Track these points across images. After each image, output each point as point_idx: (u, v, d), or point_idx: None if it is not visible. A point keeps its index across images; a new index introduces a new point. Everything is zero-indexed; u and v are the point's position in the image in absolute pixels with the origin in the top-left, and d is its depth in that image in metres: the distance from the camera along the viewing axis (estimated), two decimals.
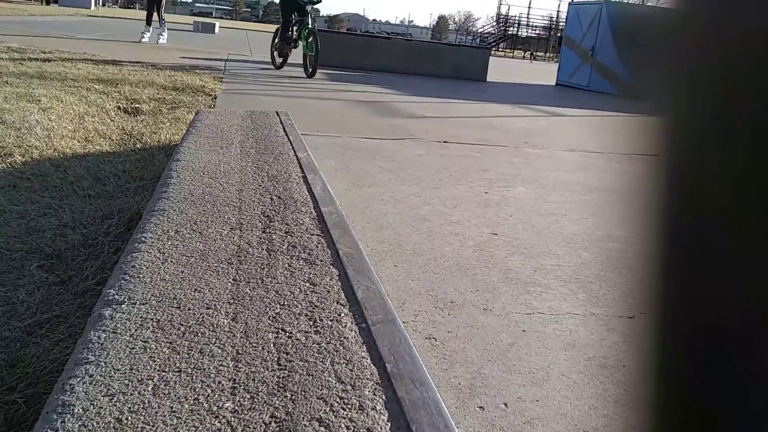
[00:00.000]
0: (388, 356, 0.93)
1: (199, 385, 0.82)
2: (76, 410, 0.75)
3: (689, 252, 0.21)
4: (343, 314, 1.07)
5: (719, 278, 0.19)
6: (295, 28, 7.96)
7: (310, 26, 7.57)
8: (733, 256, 0.19)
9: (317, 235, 1.47)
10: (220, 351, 0.91)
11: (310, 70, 7.53)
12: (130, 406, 0.77)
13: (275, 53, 8.38)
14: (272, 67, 8.23)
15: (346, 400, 0.81)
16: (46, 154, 2.68)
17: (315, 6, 7.92)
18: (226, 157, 2.14)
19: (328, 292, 1.15)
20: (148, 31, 10.16)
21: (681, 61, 0.21)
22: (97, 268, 1.63)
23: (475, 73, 10.37)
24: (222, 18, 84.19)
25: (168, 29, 11.03)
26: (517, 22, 40.24)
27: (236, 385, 0.83)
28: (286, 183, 1.89)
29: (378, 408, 0.81)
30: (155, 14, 10.12)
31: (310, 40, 7.50)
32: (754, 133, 0.18)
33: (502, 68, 16.32)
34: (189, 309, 1.03)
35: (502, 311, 1.58)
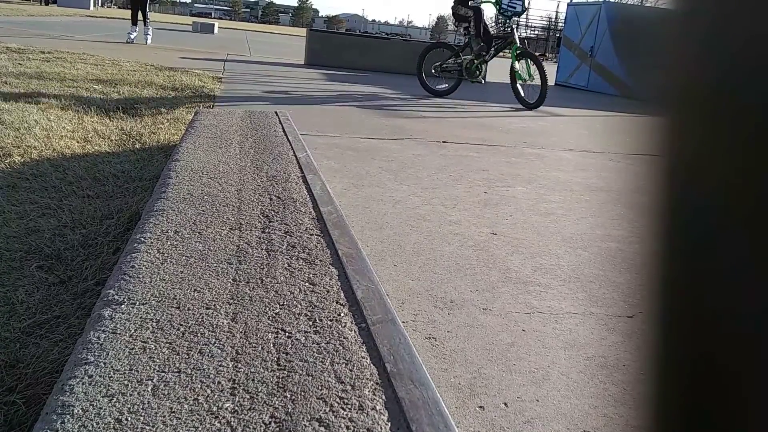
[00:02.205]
0: (388, 356, 0.93)
1: (199, 386, 0.82)
2: (76, 411, 0.75)
3: (689, 252, 0.21)
4: (342, 314, 1.07)
5: (719, 278, 0.19)
6: (484, 45, 6.31)
7: (519, 45, 6.08)
8: (734, 255, 0.19)
9: (316, 235, 1.47)
10: (219, 351, 0.90)
11: (532, 101, 6.05)
12: (129, 406, 0.77)
13: (426, 72, 6.65)
14: (265, 67, 8.01)
15: (345, 400, 0.81)
16: (45, 154, 2.68)
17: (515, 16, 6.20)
18: (225, 157, 2.14)
19: (328, 292, 1.15)
20: (135, 31, 10.13)
21: (680, 61, 0.21)
22: (97, 268, 1.63)
23: None
24: (221, 18, 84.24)
25: (168, 30, 11.01)
26: (516, 22, 40.18)
27: (236, 385, 0.83)
28: (286, 183, 1.89)
29: (378, 408, 0.81)
30: (140, 13, 10.09)
31: (525, 62, 6.01)
32: (754, 133, 0.18)
33: (501, 68, 16.31)
34: (188, 309, 1.03)
35: (501, 311, 1.58)
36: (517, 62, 6.06)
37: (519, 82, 6.14)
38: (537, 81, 6.03)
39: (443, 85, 6.57)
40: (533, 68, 5.98)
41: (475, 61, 6.29)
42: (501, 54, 6.53)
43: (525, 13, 6.22)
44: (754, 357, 0.18)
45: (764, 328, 0.18)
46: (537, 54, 6.40)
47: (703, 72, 0.20)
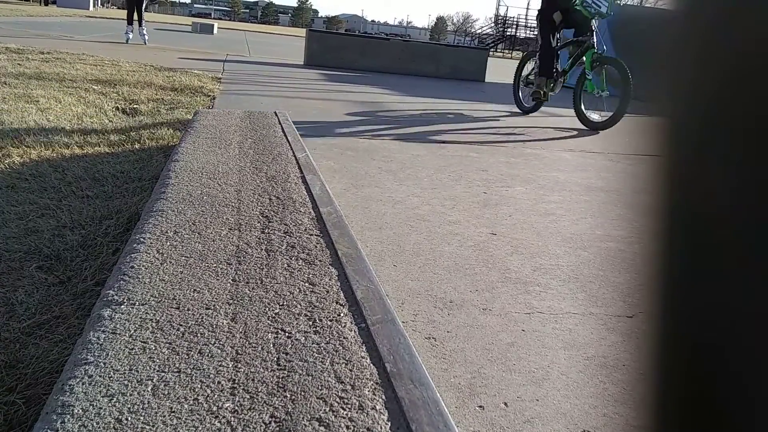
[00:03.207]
0: (388, 356, 0.93)
1: (199, 386, 0.82)
2: (76, 411, 0.75)
3: (689, 252, 0.21)
4: (342, 314, 1.07)
5: (720, 278, 0.19)
6: (562, 53, 5.32)
7: (598, 50, 4.92)
8: (734, 255, 0.19)
9: (316, 235, 1.47)
10: (219, 351, 0.90)
11: (604, 118, 4.88)
12: (129, 406, 0.77)
13: (521, 90, 5.80)
14: (264, 68, 7.98)
15: (345, 400, 0.81)
16: (44, 155, 2.68)
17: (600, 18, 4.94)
18: (224, 157, 2.14)
19: (327, 292, 1.15)
20: (131, 31, 10.29)
21: (681, 61, 0.21)
22: (96, 268, 1.63)
23: (473, 74, 10.39)
24: (221, 19, 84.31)
25: (167, 30, 11.12)
26: (515, 23, 40.28)
27: (236, 385, 0.83)
28: (285, 183, 1.89)
29: (378, 408, 0.81)
30: (135, 13, 10.24)
31: (604, 71, 4.85)
32: (754, 134, 0.18)
33: (500, 69, 16.33)
34: (188, 309, 1.03)
35: (501, 311, 1.58)
36: (591, 70, 4.95)
37: (588, 93, 5.01)
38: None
39: (530, 102, 5.68)
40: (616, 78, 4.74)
41: (559, 76, 5.40)
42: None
43: (610, 15, 4.97)
44: (754, 357, 0.18)
45: (765, 328, 0.18)
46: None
47: (703, 72, 0.20)
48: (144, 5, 10.45)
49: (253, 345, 0.93)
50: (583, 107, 5.06)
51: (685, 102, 0.21)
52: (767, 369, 0.18)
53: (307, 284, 1.18)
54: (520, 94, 5.89)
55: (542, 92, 5.36)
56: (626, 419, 1.14)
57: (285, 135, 2.65)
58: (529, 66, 5.84)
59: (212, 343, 0.93)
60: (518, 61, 6.09)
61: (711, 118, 0.20)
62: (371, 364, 0.91)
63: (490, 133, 4.61)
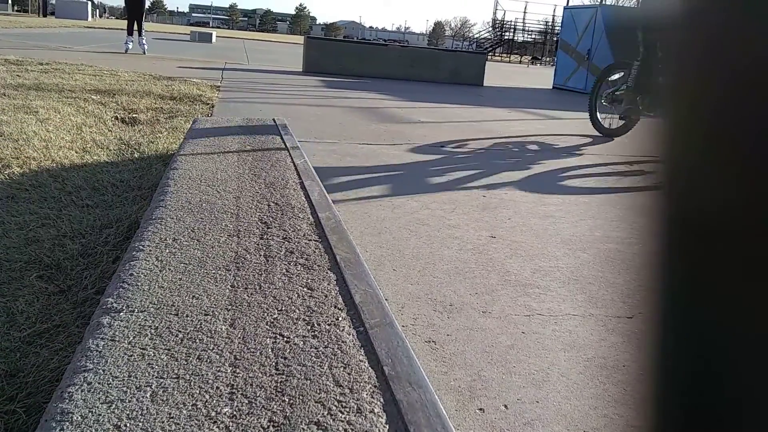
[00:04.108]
0: (386, 359, 0.93)
1: (197, 391, 0.82)
2: (75, 417, 0.75)
3: (689, 252, 0.21)
4: (340, 318, 1.07)
5: (719, 278, 0.20)
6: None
7: None
8: (734, 256, 0.19)
9: (315, 240, 1.47)
10: (218, 357, 0.91)
11: None
12: (128, 412, 0.77)
13: (601, 108, 4.78)
14: (263, 75, 7.94)
15: (344, 404, 0.82)
16: (44, 165, 2.69)
17: None
18: (223, 164, 2.15)
19: (326, 296, 1.16)
20: (131, 41, 10.43)
21: (680, 62, 0.21)
22: (96, 277, 1.64)
23: (471, 78, 10.42)
24: (219, 27, 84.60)
25: (166, 40, 11.21)
26: (513, 27, 40.35)
27: (234, 390, 0.83)
28: (284, 189, 1.90)
29: (376, 411, 0.81)
30: (136, 24, 10.39)
31: None
32: (754, 135, 0.18)
33: (498, 73, 16.36)
34: (187, 316, 1.03)
35: (501, 313, 1.58)
36: None
37: None
38: None
39: (614, 123, 4.71)
40: None
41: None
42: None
43: None
44: (753, 357, 0.19)
45: (764, 328, 0.18)
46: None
47: (703, 73, 0.20)
48: (144, 16, 10.60)
49: (252, 350, 0.93)
50: None
51: (685, 103, 0.21)
52: (767, 369, 0.18)
53: (305, 289, 1.18)
54: (599, 114, 4.90)
55: (636, 109, 4.39)
56: (627, 420, 1.13)
57: (283, 141, 2.66)
58: (614, 79, 4.87)
59: (211, 348, 0.93)
60: (598, 74, 5.04)
61: (710, 119, 0.20)
62: (369, 368, 0.91)
63: (489, 136, 4.61)
